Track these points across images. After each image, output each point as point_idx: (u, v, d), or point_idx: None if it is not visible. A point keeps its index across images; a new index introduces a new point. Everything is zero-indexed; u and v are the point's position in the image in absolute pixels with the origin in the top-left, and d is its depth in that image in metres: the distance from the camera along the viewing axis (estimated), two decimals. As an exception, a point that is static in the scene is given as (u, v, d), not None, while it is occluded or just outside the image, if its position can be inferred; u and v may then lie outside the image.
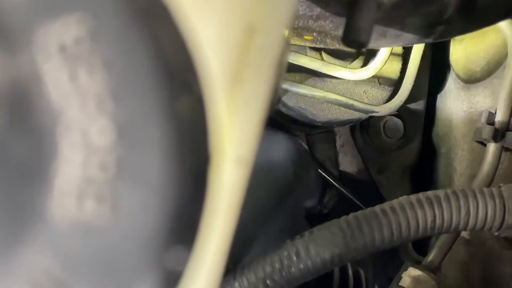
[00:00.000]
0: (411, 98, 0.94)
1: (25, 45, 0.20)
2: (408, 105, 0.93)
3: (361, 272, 1.15)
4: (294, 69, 0.77)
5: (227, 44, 0.24)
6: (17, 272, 0.21)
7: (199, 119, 0.23)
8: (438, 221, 0.58)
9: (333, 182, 0.85)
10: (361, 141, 0.91)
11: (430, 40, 0.57)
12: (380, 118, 0.87)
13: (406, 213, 0.58)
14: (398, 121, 0.88)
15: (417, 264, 0.79)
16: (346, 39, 0.39)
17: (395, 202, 0.60)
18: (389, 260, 1.04)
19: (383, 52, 0.74)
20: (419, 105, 0.94)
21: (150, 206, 0.22)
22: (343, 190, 0.85)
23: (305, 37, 0.62)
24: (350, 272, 1.19)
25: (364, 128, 0.90)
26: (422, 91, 0.95)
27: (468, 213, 0.58)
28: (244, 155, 0.24)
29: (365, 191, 1.05)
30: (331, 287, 1.11)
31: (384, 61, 0.74)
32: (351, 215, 0.60)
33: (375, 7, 0.39)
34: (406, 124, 0.90)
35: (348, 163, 0.94)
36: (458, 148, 0.90)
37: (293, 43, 0.67)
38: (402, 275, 0.74)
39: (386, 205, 0.59)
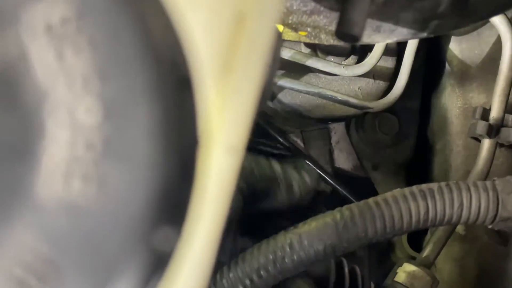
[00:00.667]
0: (406, 94, 0.94)
1: (12, 24, 0.20)
2: (403, 102, 0.94)
3: (357, 269, 1.15)
4: (289, 65, 0.77)
5: (217, 30, 0.24)
6: (5, 250, 0.22)
7: (187, 102, 0.23)
8: (431, 214, 0.59)
9: (327, 178, 0.85)
10: (356, 137, 0.91)
11: (424, 35, 0.57)
12: (375, 114, 0.87)
13: (399, 205, 0.58)
14: (393, 117, 0.88)
15: (412, 259, 0.79)
16: (339, 32, 0.40)
17: (388, 194, 0.60)
18: (384, 256, 1.04)
19: (378, 48, 0.74)
20: (414, 101, 0.95)
21: (136, 186, 0.22)
22: (337, 186, 0.85)
23: (300, 32, 0.62)
24: (346, 269, 1.20)
25: (359, 124, 0.90)
26: (417, 87, 0.95)
27: (461, 205, 0.59)
28: (234, 143, 0.24)
29: (361, 188, 1.05)
30: (327, 284, 1.11)
31: (378, 57, 0.74)
32: (345, 206, 0.60)
33: (368, 1, 0.39)
34: (401, 120, 0.90)
35: (344, 159, 0.94)
36: (453, 144, 0.90)
37: (288, 38, 0.68)
38: (398, 271, 0.75)
39: (379, 197, 0.60)
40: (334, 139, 0.93)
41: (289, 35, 0.63)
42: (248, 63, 0.24)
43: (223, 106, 0.23)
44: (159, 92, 0.21)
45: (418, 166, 1.00)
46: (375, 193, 0.95)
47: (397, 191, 0.60)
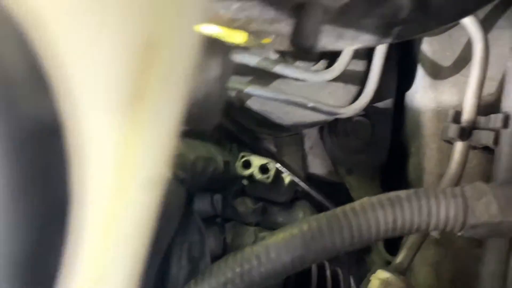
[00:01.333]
0: (379, 97, 0.93)
1: None
2: (376, 105, 0.93)
3: (339, 271, 1.14)
4: (257, 72, 0.76)
5: (122, 59, 0.21)
6: None
7: (52, 153, 0.20)
8: (399, 222, 0.58)
9: (300, 183, 0.84)
10: (329, 142, 0.90)
11: (389, 41, 0.56)
12: (348, 119, 0.86)
13: (367, 214, 0.57)
14: (365, 121, 0.87)
15: (388, 264, 0.78)
16: (294, 43, 0.39)
17: (356, 203, 0.59)
18: (363, 258, 1.03)
19: (347, 53, 0.73)
20: (387, 104, 0.94)
21: None
22: (311, 192, 0.84)
23: (264, 40, 0.61)
24: (328, 272, 1.19)
25: (332, 129, 0.89)
26: (390, 90, 0.94)
27: (429, 213, 0.58)
28: (151, 176, 0.23)
29: (336, 193, 1.04)
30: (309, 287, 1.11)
31: (347, 62, 0.73)
32: (313, 217, 0.59)
33: (322, 11, 0.38)
34: (374, 124, 0.89)
35: (318, 165, 0.93)
36: (426, 147, 0.90)
37: (253, 46, 0.66)
38: (371, 278, 0.74)
39: (347, 207, 0.59)
40: (307, 145, 0.92)
41: (253, 42, 0.61)
42: (163, 91, 0.22)
43: (135, 137, 0.21)
44: (12, 146, 0.18)
45: (394, 169, 0.99)
46: (350, 198, 0.94)
47: (365, 200, 0.59)
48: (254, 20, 0.53)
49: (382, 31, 0.54)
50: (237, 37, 0.61)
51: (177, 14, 0.22)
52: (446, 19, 0.54)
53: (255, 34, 0.58)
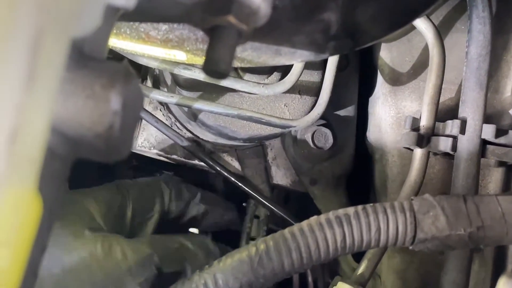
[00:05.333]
0: (340, 105, 0.93)
1: None
2: (337, 112, 0.92)
3: (319, 278, 1.14)
4: (209, 86, 0.75)
5: None
6: None
7: None
8: (348, 240, 0.57)
9: (260, 199, 0.83)
10: (292, 152, 0.89)
11: (326, 56, 0.55)
12: (308, 128, 0.85)
13: (315, 234, 0.56)
14: (326, 130, 0.86)
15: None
16: (205, 69, 0.37)
17: (304, 223, 0.58)
18: (335, 266, 1.03)
19: (298, 65, 0.72)
20: (349, 112, 0.93)
21: None
22: (272, 207, 0.83)
23: (203, 57, 0.60)
24: (310, 279, 1.18)
25: (294, 139, 0.88)
26: (351, 97, 0.94)
27: (378, 229, 0.57)
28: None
29: (300, 204, 1.03)
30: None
31: (299, 73, 0.72)
32: (261, 239, 0.58)
33: (235, 35, 0.37)
34: (336, 132, 0.88)
35: (282, 176, 0.92)
36: (388, 154, 0.89)
37: (195, 63, 0.65)
38: (332, 291, 0.73)
39: (295, 227, 0.58)
40: (270, 156, 0.91)
41: (195, 60, 0.60)
42: None
43: None
44: None
45: (361, 177, 0.98)
46: (315, 208, 0.93)
47: (313, 219, 0.58)
48: (185, 40, 0.52)
49: (317, 47, 0.53)
50: (178, 55, 0.60)
51: None
52: (376, 35, 0.53)
53: (192, 53, 0.57)
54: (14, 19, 0.21)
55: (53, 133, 0.31)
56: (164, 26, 0.50)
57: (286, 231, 0.57)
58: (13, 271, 0.26)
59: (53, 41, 0.23)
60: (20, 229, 0.26)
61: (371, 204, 0.58)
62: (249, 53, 0.56)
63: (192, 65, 0.68)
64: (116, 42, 0.60)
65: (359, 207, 0.58)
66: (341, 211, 0.58)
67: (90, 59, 0.34)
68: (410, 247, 0.59)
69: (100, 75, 0.32)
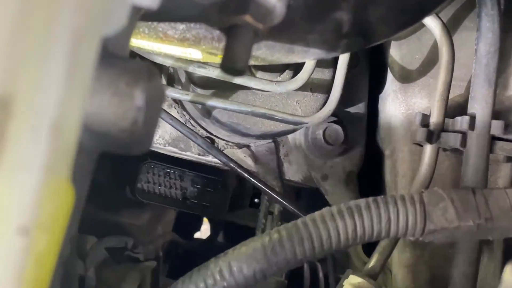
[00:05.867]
0: (351, 102, 0.94)
1: None
2: (348, 109, 0.94)
3: (330, 274, 1.16)
4: (223, 84, 0.77)
5: None
6: None
7: None
8: (359, 231, 0.58)
9: (272, 194, 0.85)
10: (303, 149, 0.91)
11: (337, 54, 0.57)
12: (320, 125, 0.86)
13: (327, 224, 0.58)
14: (337, 127, 0.87)
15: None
16: (223, 66, 0.39)
17: (317, 214, 0.60)
18: (345, 258, 1.04)
19: (310, 63, 0.73)
20: (359, 109, 0.95)
21: None
22: (284, 202, 0.85)
23: (219, 56, 0.62)
24: (321, 274, 1.20)
25: (306, 136, 0.90)
26: (362, 95, 0.95)
27: (389, 220, 0.58)
28: (24, 223, 0.23)
29: (312, 199, 1.05)
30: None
31: (311, 71, 0.74)
32: (274, 229, 0.60)
33: (251, 34, 0.39)
34: (347, 129, 0.90)
35: (294, 172, 0.94)
36: (398, 150, 0.90)
37: (210, 61, 0.67)
38: (344, 283, 0.75)
39: (308, 217, 0.60)
40: (282, 152, 0.93)
41: (210, 58, 0.62)
42: (23, 142, 0.22)
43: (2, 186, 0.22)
44: None
45: (373, 173, 1.00)
46: (326, 204, 0.95)
47: (325, 210, 0.60)
48: (202, 39, 0.54)
49: (330, 45, 0.54)
50: (193, 54, 0.62)
51: (35, 69, 0.23)
52: (387, 33, 0.54)
53: (208, 52, 0.59)
54: (55, 20, 0.23)
55: (82, 127, 0.33)
56: (181, 26, 0.52)
57: (299, 221, 0.59)
58: (50, 254, 0.28)
59: (88, 40, 0.25)
60: (57, 216, 0.27)
61: (382, 196, 0.60)
62: (263, 51, 0.58)
63: (207, 63, 0.70)
64: (134, 41, 0.62)
65: (370, 199, 0.60)
66: (352, 203, 0.60)
67: (114, 57, 0.36)
68: (420, 239, 0.60)
69: (124, 73, 0.34)
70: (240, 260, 0.57)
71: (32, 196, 0.23)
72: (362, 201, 0.60)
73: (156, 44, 0.61)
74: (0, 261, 0.22)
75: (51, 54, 0.23)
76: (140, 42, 0.62)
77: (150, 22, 0.54)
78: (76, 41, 0.24)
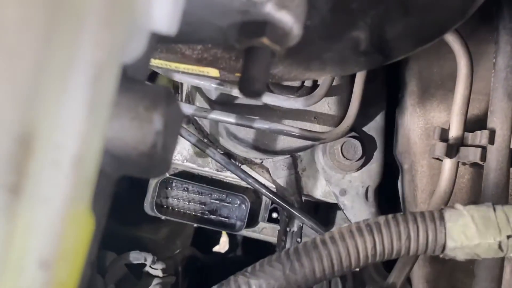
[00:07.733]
0: (369, 116, 0.94)
1: None
2: (366, 124, 0.93)
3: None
4: (241, 101, 0.77)
5: None
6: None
7: None
8: (378, 248, 0.58)
9: (291, 210, 0.85)
10: (322, 163, 0.91)
11: (356, 71, 0.57)
12: (338, 140, 0.86)
13: (346, 242, 0.58)
14: (356, 142, 0.87)
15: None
16: (241, 88, 0.39)
17: (335, 231, 0.59)
18: (362, 272, 1.03)
19: (327, 79, 0.74)
20: (377, 123, 0.94)
21: None
22: (303, 217, 0.85)
23: (236, 74, 0.62)
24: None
25: (324, 151, 0.90)
26: (379, 109, 0.95)
27: (408, 237, 0.58)
28: (45, 257, 0.23)
29: (330, 214, 1.04)
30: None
31: (327, 87, 0.74)
32: (293, 247, 0.60)
33: (269, 56, 0.39)
34: (365, 144, 0.89)
35: (312, 186, 0.93)
36: (417, 164, 0.90)
37: (229, 80, 0.67)
38: (363, 299, 0.74)
39: (326, 235, 0.59)
40: (300, 167, 0.93)
41: (227, 76, 0.63)
42: (44, 177, 0.23)
43: (24, 220, 0.22)
44: None
45: (390, 187, 0.99)
46: (346, 218, 0.94)
47: (344, 227, 0.60)
48: (220, 59, 0.54)
49: (348, 62, 0.54)
50: (211, 72, 0.62)
51: (56, 104, 0.23)
52: (404, 50, 0.54)
53: (225, 70, 0.59)
54: (76, 55, 0.23)
55: (102, 153, 0.33)
56: (199, 46, 0.52)
57: (318, 238, 0.59)
58: (70, 283, 0.28)
59: (108, 71, 0.26)
60: (77, 246, 0.28)
61: (401, 213, 0.59)
62: (280, 70, 0.58)
63: (224, 81, 0.70)
64: (152, 60, 0.63)
65: (390, 216, 0.59)
66: (371, 220, 0.59)
67: (133, 82, 0.36)
68: (441, 255, 0.60)
69: (143, 97, 0.34)
70: (259, 277, 0.57)
71: (53, 229, 0.23)
72: (381, 218, 0.59)
73: (174, 63, 0.61)
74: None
75: (72, 89, 0.23)
76: (158, 61, 0.63)
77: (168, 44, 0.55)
78: (97, 74, 0.24)
